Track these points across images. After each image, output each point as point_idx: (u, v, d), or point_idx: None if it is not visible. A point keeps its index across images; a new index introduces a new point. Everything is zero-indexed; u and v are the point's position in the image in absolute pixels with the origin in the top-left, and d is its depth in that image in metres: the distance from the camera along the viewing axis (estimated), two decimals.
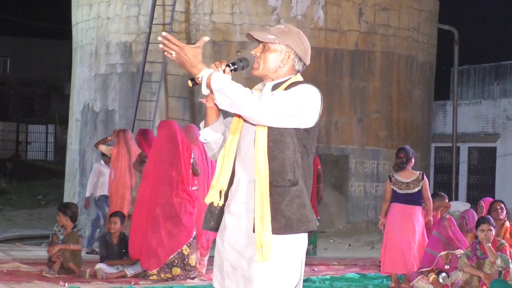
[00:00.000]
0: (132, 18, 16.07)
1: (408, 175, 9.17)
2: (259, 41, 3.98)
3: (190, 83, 3.93)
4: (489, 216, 8.58)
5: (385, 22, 16.42)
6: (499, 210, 9.15)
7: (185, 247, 9.01)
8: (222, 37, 15.44)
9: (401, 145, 10.92)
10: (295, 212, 3.81)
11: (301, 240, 3.87)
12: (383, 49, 16.42)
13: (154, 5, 15.21)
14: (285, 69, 3.96)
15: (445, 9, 20.55)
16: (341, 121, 16.00)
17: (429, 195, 9.31)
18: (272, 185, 3.80)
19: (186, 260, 9.00)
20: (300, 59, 3.97)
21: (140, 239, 9.00)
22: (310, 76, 15.53)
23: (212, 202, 3.95)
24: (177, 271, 8.95)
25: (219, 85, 3.70)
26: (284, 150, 3.82)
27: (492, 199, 10.38)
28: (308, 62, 4.01)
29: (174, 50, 3.71)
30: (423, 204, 9.27)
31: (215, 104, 3.84)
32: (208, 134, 4.01)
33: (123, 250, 9.40)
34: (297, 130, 3.83)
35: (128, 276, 9.12)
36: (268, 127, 3.81)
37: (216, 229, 3.98)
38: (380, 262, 9.59)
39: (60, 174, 22.53)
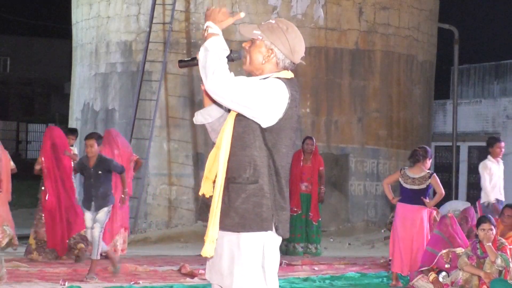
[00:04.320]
0: (132, 17, 16.06)
1: (417, 172, 9.34)
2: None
3: (179, 64, 3.93)
4: (489, 215, 8.59)
5: (385, 21, 16.40)
6: None
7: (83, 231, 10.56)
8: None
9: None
10: (250, 211, 3.71)
11: (260, 238, 3.74)
12: (383, 48, 16.40)
13: (154, 4, 15.20)
14: (269, 66, 3.86)
15: (445, 8, 20.53)
16: (341, 120, 15.99)
17: (442, 191, 9.36)
18: (230, 181, 3.73)
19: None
20: (285, 57, 3.85)
21: None
22: (310, 75, 15.54)
23: (204, 193, 3.87)
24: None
25: (211, 46, 3.72)
26: (244, 147, 3.74)
27: None
28: (296, 60, 3.86)
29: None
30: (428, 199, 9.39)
31: None
32: (213, 111, 3.96)
33: (99, 172, 9.31)
34: (262, 128, 3.73)
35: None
36: (234, 124, 3.75)
37: None
38: (390, 260, 9.79)
39: None
